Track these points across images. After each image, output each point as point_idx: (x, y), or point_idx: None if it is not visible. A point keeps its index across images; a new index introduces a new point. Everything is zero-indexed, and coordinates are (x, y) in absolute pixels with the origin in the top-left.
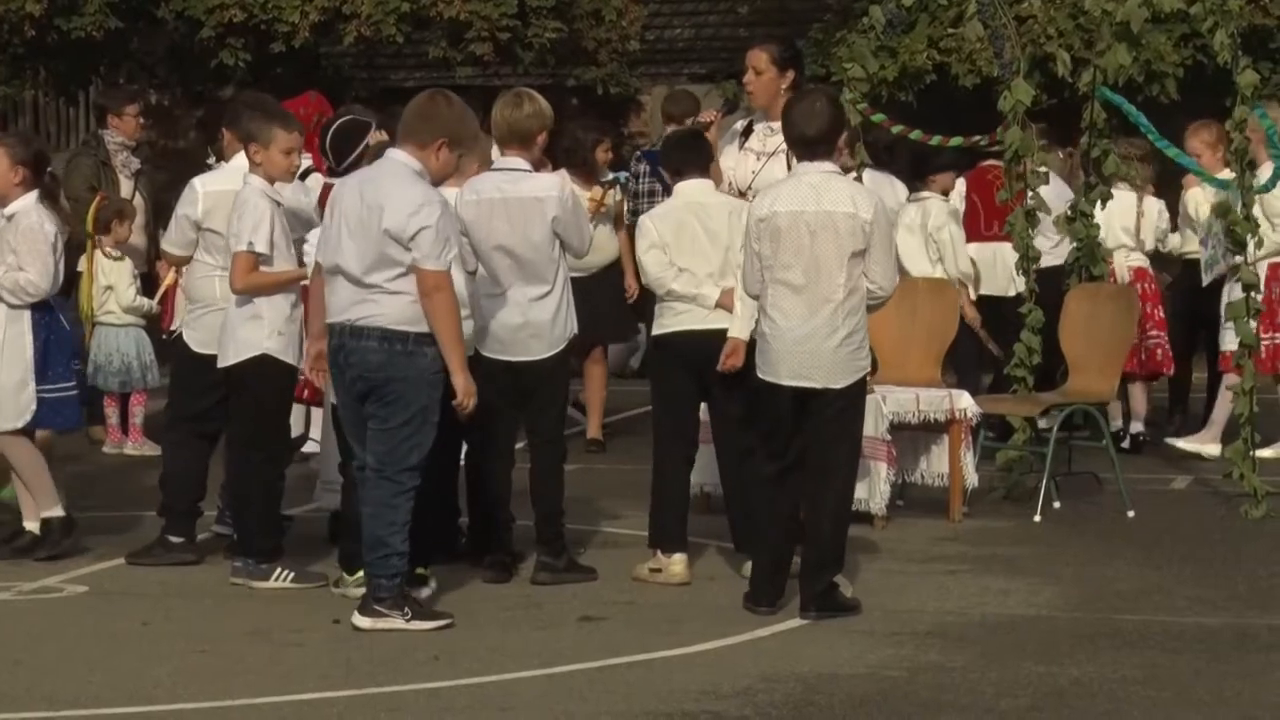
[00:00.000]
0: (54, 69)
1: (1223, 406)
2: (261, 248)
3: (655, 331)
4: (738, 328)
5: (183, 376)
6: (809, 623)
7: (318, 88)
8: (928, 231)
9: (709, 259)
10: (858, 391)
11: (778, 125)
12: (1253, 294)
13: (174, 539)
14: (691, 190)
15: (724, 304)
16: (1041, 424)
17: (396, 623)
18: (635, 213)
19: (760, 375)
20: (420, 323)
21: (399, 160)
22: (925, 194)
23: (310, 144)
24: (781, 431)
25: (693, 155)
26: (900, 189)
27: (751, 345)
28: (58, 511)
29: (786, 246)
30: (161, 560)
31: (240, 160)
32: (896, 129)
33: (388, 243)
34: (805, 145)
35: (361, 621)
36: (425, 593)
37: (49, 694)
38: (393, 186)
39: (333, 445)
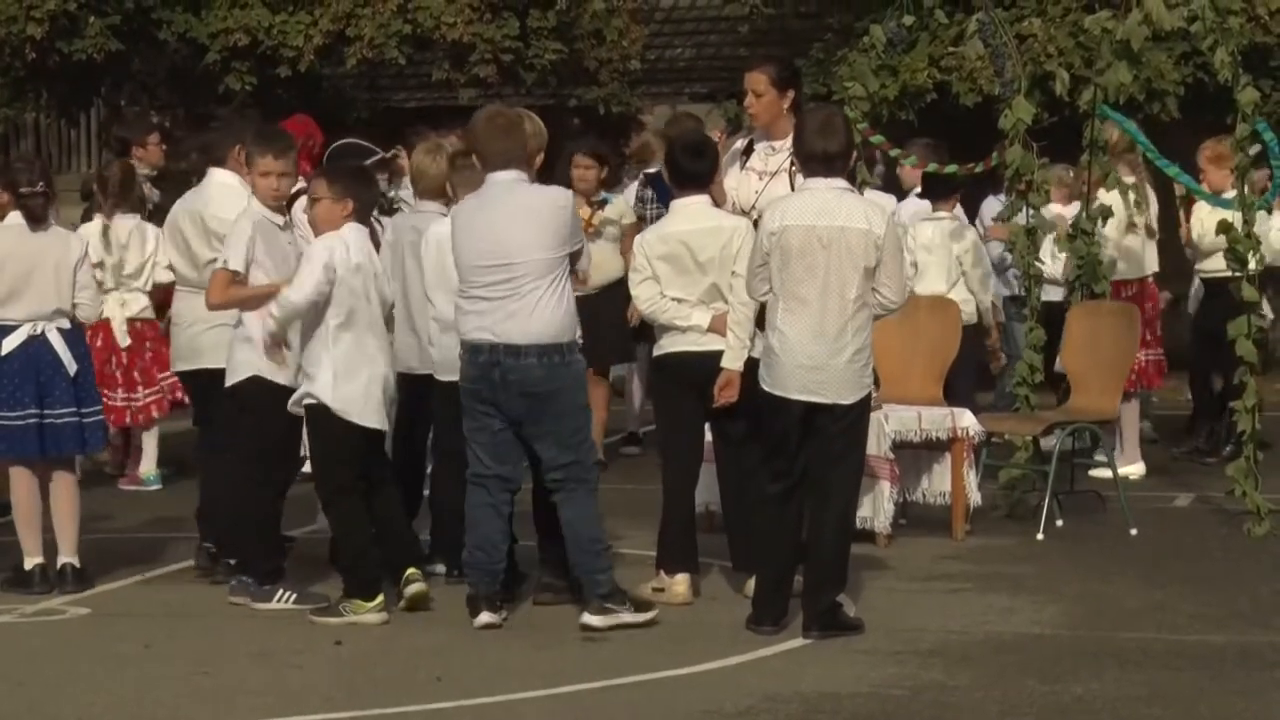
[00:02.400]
0: (55, 91)
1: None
2: (235, 265)
3: (655, 352)
4: (729, 359)
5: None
6: (812, 642)
7: (320, 110)
8: (954, 254)
9: (699, 286)
10: (863, 408)
11: (779, 144)
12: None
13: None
14: (687, 213)
15: (715, 329)
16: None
17: (624, 617)
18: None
19: (767, 389)
20: (568, 333)
21: (513, 178)
22: (941, 214)
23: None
24: (787, 448)
25: (696, 165)
26: (892, 205)
27: (748, 371)
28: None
29: (798, 261)
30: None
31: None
32: (894, 153)
33: (549, 250)
34: (824, 161)
35: (595, 621)
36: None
37: (52, 715)
38: (531, 202)
39: None
